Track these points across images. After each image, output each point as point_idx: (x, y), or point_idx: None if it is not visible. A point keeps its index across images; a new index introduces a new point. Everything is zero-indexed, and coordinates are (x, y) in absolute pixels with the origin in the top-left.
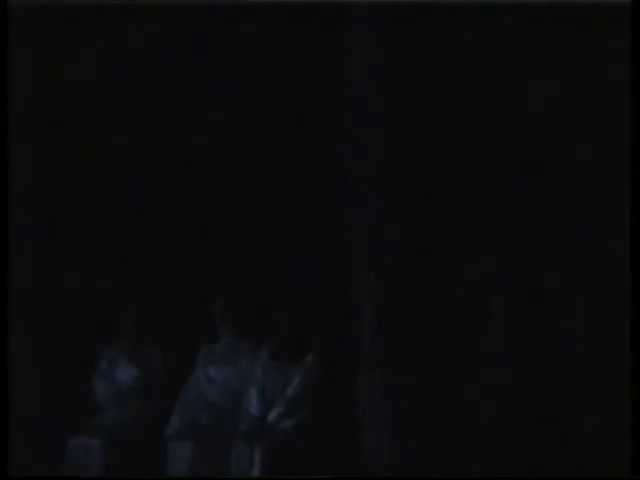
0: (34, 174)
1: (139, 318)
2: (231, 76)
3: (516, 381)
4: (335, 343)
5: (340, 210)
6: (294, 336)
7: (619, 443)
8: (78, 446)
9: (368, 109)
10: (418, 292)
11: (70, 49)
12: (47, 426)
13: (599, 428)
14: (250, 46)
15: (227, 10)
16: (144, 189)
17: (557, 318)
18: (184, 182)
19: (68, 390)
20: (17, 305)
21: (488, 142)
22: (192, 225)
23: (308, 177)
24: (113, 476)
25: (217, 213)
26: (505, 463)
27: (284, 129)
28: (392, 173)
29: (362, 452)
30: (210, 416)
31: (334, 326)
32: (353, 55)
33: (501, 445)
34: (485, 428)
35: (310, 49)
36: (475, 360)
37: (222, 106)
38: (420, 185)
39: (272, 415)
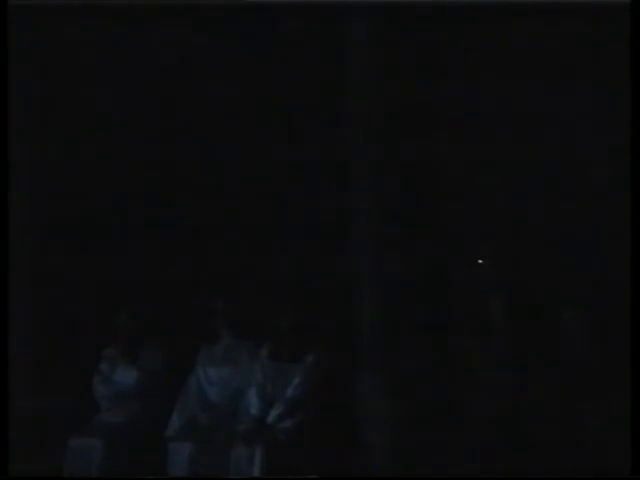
0: (34, 174)
1: (139, 318)
2: (231, 76)
3: (516, 381)
4: (335, 343)
5: (341, 210)
6: (294, 336)
7: (619, 443)
8: (78, 446)
9: (368, 109)
10: (418, 292)
11: (70, 49)
12: (47, 426)
13: (599, 427)
14: (250, 46)
15: (227, 10)
16: (145, 189)
17: (557, 318)
18: (185, 182)
19: (68, 390)
20: (17, 305)
21: (488, 141)
22: (192, 225)
23: (309, 177)
24: (113, 476)
25: (217, 213)
26: (505, 463)
27: (283, 129)
28: (392, 175)
29: (362, 452)
30: (210, 416)
31: (334, 326)
32: (353, 55)
33: (501, 445)
34: (485, 428)
35: (310, 49)
36: (475, 360)
37: (222, 106)
38: (421, 186)
39: (272, 415)
